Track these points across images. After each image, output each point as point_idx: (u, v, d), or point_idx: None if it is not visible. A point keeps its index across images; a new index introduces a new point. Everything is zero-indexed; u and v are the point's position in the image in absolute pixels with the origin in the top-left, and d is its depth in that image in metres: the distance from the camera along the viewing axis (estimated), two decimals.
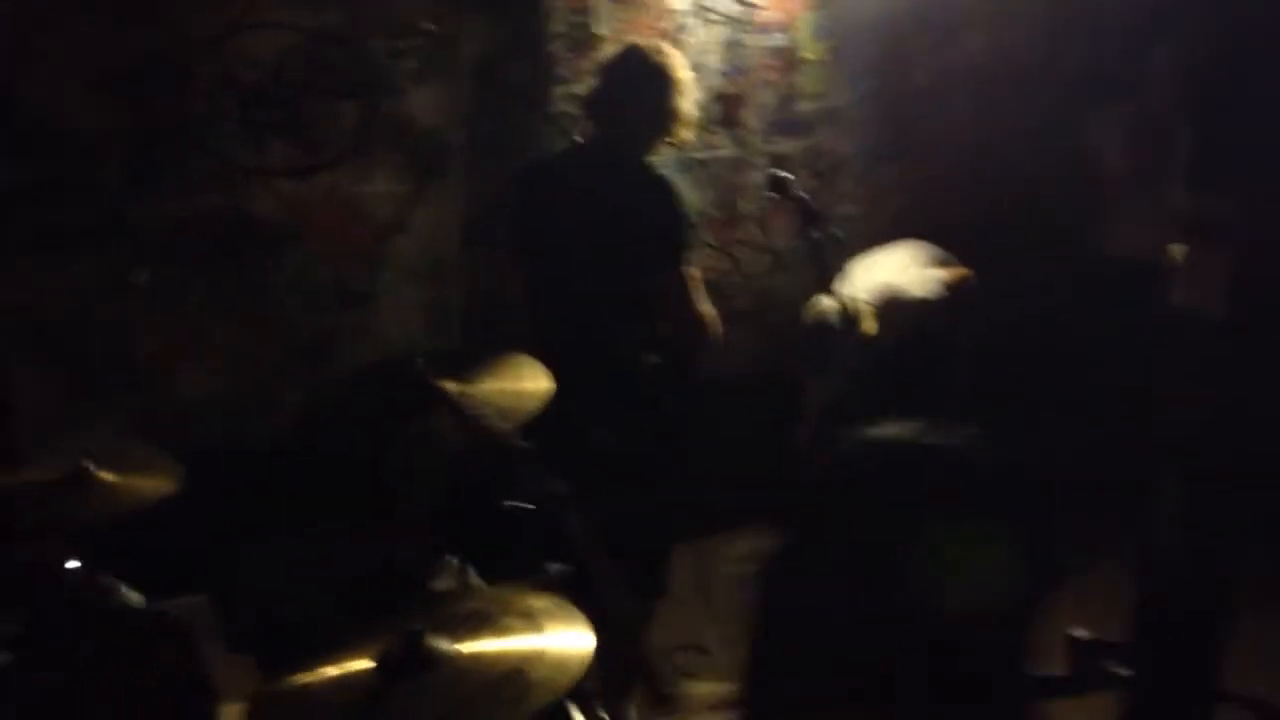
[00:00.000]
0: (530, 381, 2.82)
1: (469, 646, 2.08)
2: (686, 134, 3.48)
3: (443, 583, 3.44)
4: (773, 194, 3.50)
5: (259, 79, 3.84)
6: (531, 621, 2.22)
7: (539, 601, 2.31)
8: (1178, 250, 3.93)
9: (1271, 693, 3.58)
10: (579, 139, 3.61)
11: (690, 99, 3.41)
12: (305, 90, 3.91)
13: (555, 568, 2.94)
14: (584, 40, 4.34)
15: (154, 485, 2.83)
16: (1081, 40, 4.77)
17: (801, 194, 3.46)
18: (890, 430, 1.24)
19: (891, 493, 1.20)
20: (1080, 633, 3.78)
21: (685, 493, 3.59)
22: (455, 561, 3.54)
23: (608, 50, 3.61)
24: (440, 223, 4.17)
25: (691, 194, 4.54)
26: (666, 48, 3.45)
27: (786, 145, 4.76)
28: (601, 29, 4.36)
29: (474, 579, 3.51)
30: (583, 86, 4.31)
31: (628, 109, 3.37)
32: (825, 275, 4.06)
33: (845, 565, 1.17)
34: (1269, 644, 3.70)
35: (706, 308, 3.42)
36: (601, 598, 2.40)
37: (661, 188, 3.36)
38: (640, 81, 3.36)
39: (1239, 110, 3.74)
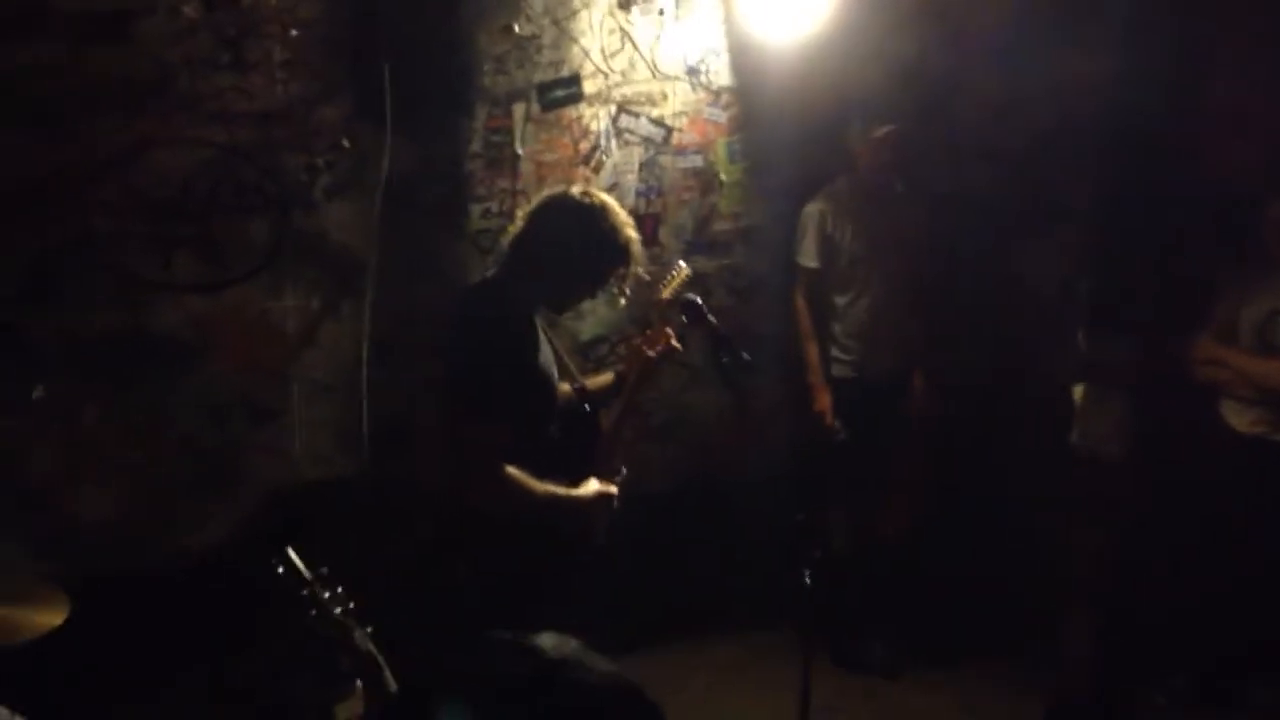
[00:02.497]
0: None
1: None
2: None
3: (348, 710, 3.34)
4: (684, 319, 3.51)
5: (168, 194, 3.78)
6: None
7: None
8: (1078, 391, 4.01)
9: None
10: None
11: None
12: (215, 205, 3.86)
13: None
14: (502, 160, 4.37)
15: (41, 617, 2.74)
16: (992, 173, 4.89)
17: (711, 319, 3.47)
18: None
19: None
20: None
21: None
22: (360, 686, 3.45)
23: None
24: (351, 339, 4.12)
25: (610, 313, 4.58)
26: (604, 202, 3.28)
27: (704, 264, 4.79)
28: (520, 149, 4.38)
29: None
30: (500, 204, 4.35)
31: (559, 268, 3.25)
32: (737, 396, 4.09)
33: None
34: None
35: None
36: None
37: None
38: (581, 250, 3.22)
39: (1136, 259, 3.85)
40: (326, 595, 2.78)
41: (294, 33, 3.91)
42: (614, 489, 3.33)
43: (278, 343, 4.02)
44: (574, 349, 4.43)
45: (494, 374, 3.06)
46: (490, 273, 3.37)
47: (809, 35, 4.65)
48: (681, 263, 3.79)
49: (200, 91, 3.80)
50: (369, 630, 2.78)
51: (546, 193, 3.35)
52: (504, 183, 4.39)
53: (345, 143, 4.05)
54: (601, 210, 3.19)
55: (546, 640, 2.84)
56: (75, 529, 3.71)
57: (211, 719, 2.75)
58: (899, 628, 4.76)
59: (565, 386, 3.47)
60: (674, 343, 3.48)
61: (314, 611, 2.74)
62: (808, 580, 2.85)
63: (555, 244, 3.18)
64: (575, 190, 3.29)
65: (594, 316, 4.59)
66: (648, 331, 3.55)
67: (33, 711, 2.70)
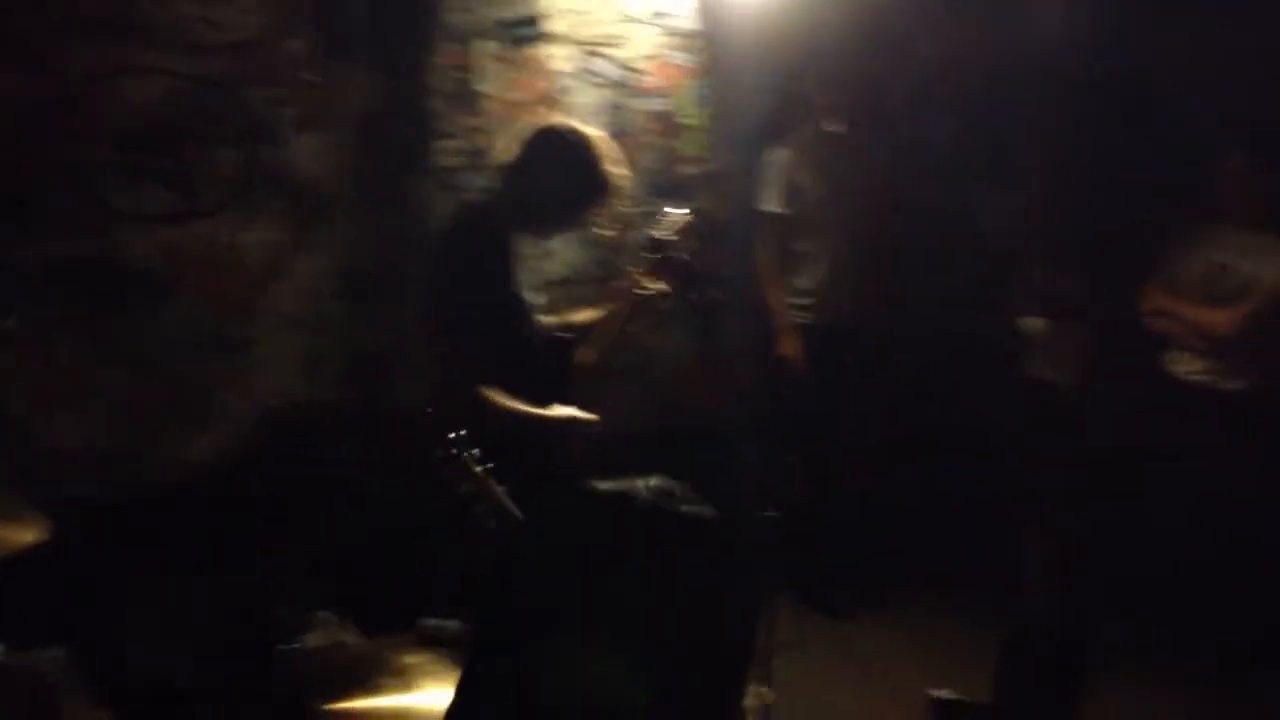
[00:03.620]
0: None
1: (339, 706, 2.07)
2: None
3: (316, 639, 3.40)
4: (653, 255, 3.57)
5: (138, 124, 3.79)
6: (403, 680, 2.22)
7: (412, 658, 2.31)
8: (1037, 325, 4.12)
9: None
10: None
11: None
12: (185, 137, 3.87)
13: (432, 622, 2.93)
14: (466, 97, 4.38)
15: (16, 536, 2.77)
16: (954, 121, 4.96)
17: (681, 255, 3.53)
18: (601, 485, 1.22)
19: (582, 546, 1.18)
20: (942, 694, 3.86)
21: None
22: (332, 616, 3.52)
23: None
24: (320, 272, 4.15)
25: (575, 253, 4.63)
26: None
27: (668, 208, 4.83)
28: (484, 87, 4.40)
29: (350, 634, 3.48)
30: (465, 142, 4.38)
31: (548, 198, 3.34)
32: (704, 336, 4.17)
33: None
34: (1124, 701, 3.84)
35: None
36: None
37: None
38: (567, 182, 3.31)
39: (1096, 200, 3.95)
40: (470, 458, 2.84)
41: None
42: (586, 415, 3.40)
43: (246, 275, 4.04)
44: (539, 288, 4.47)
45: (470, 291, 3.17)
46: (476, 197, 3.45)
47: None
48: (685, 209, 3.85)
49: (168, 22, 3.80)
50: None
51: (540, 123, 3.42)
52: (469, 120, 4.41)
53: (311, 76, 4.05)
54: (590, 144, 3.28)
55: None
56: (53, 457, 3.73)
57: (212, 634, 2.80)
58: (860, 569, 4.87)
59: (550, 318, 3.55)
60: (659, 284, 3.54)
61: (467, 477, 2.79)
62: (772, 521, 2.91)
63: (542, 173, 3.27)
64: (566, 123, 3.39)
65: (559, 257, 4.63)
66: (640, 271, 3.59)
67: (23, 627, 2.74)
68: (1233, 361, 4.25)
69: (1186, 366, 4.36)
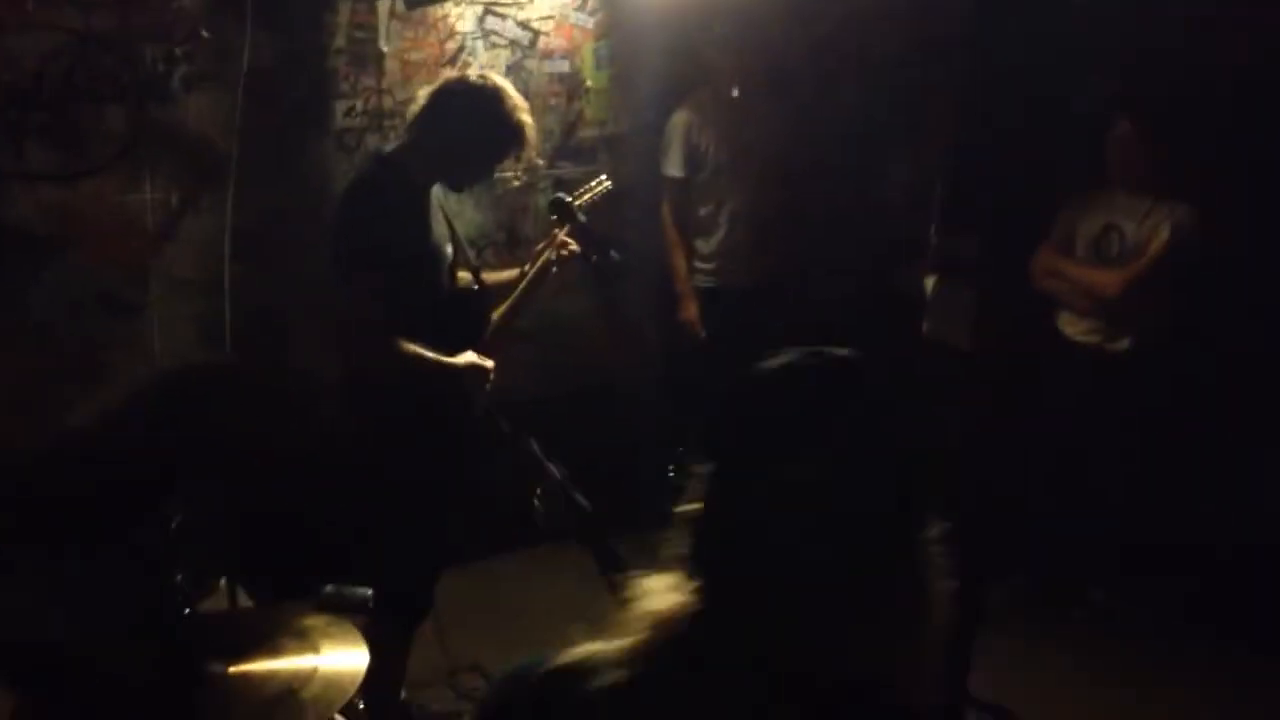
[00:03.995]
0: None
1: (239, 668, 2.05)
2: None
3: (214, 605, 3.36)
4: (554, 217, 3.58)
5: (21, 80, 3.66)
6: (305, 642, 2.20)
7: (314, 621, 2.29)
8: (929, 283, 4.21)
9: (1015, 704, 3.79)
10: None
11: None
12: (70, 93, 3.75)
13: (330, 589, 2.91)
14: (366, 57, 4.32)
15: None
16: (854, 86, 5.02)
17: (581, 218, 3.54)
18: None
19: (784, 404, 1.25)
20: None
21: (464, 514, 3.59)
22: (223, 583, 3.48)
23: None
24: (212, 234, 4.06)
25: (476, 215, 4.60)
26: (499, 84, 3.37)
27: (570, 170, 4.82)
28: (385, 46, 4.34)
29: (243, 600, 3.44)
30: (365, 102, 4.31)
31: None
32: (607, 297, 4.18)
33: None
34: (1013, 656, 3.95)
35: None
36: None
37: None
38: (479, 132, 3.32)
39: (986, 162, 4.03)
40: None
41: None
42: (489, 362, 3.41)
43: (137, 236, 3.94)
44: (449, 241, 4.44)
45: (373, 236, 3.17)
46: (388, 149, 3.43)
47: None
48: (603, 175, 3.85)
49: None
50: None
51: (446, 76, 3.47)
52: (368, 80, 4.35)
53: (204, 33, 3.95)
54: (498, 93, 3.29)
55: None
56: None
57: (100, 599, 2.74)
58: None
59: (465, 274, 3.55)
60: (572, 245, 3.56)
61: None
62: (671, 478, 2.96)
63: (453, 123, 3.28)
64: (473, 74, 3.44)
65: (461, 219, 4.59)
66: (555, 234, 3.59)
67: None
68: (1117, 322, 4.39)
69: (1075, 327, 4.49)
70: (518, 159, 3.48)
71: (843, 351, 1.28)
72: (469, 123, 3.28)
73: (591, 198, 3.70)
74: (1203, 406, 4.34)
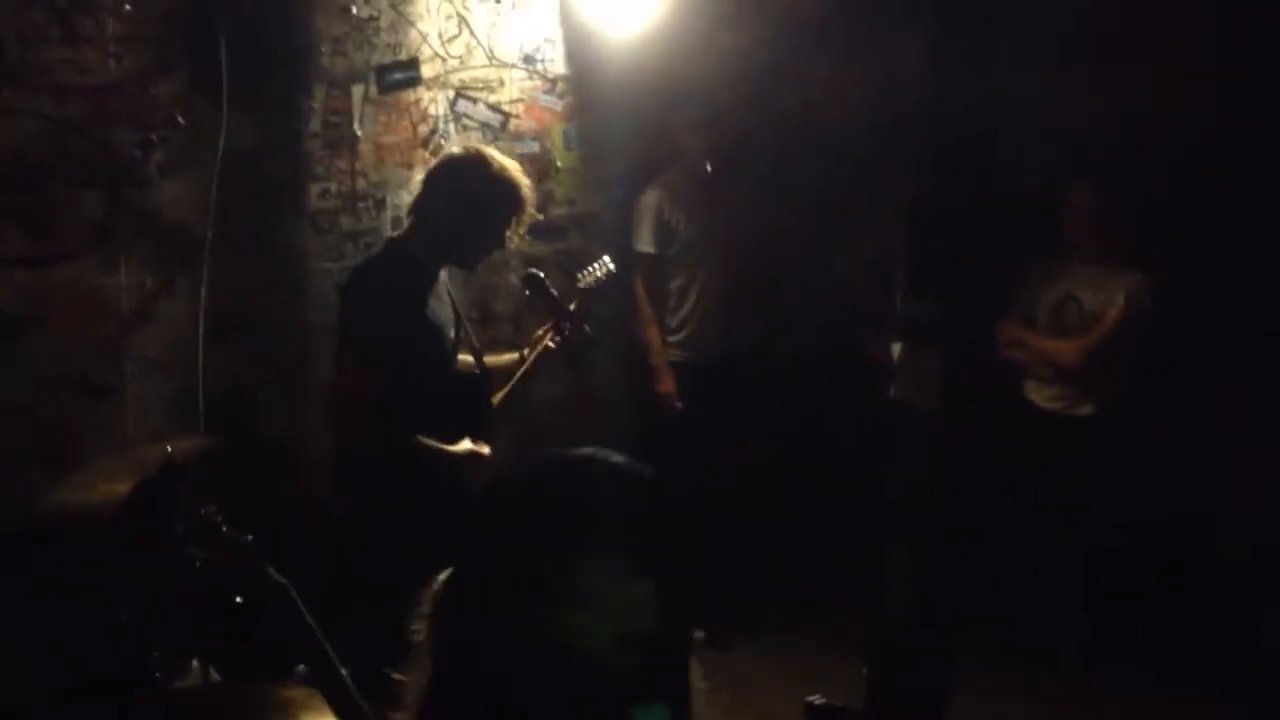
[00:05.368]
0: None
1: None
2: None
3: (187, 683, 3.33)
4: (528, 292, 3.63)
5: None
6: (287, 714, 2.21)
7: (295, 693, 2.30)
8: (896, 350, 4.30)
9: None
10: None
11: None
12: (46, 179, 3.80)
13: (303, 669, 2.90)
14: (341, 141, 4.40)
15: None
16: (816, 161, 5.13)
17: (553, 292, 3.60)
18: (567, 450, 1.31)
19: (546, 511, 1.26)
20: (818, 700, 3.93)
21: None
22: (195, 664, 3.45)
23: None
24: (186, 316, 4.09)
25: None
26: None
27: (540, 249, 4.89)
28: (359, 130, 4.42)
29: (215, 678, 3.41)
30: (340, 184, 4.38)
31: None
32: (578, 371, 4.22)
33: (501, 589, 1.22)
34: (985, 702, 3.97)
35: None
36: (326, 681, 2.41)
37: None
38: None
39: (946, 232, 4.13)
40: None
41: (128, 6, 3.88)
42: (486, 449, 3.43)
43: (111, 319, 3.97)
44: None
45: (373, 319, 3.22)
46: (397, 234, 3.47)
47: (641, 27, 4.80)
48: (606, 257, 3.91)
49: (32, 64, 3.75)
50: None
51: (438, 158, 3.57)
52: (343, 163, 4.42)
53: (180, 119, 4.02)
54: (480, 158, 3.36)
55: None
56: None
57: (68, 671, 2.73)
58: (730, 598, 4.92)
59: (467, 357, 3.58)
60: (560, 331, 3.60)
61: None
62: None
63: (446, 201, 3.33)
64: (458, 149, 3.51)
65: None
66: (558, 319, 3.63)
67: None
68: (1079, 389, 4.48)
69: (1039, 394, 4.58)
70: (520, 221, 3.44)
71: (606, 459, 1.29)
72: (460, 195, 3.32)
73: (595, 280, 3.76)
74: (1165, 467, 4.42)
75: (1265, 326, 4.31)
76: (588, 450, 1.29)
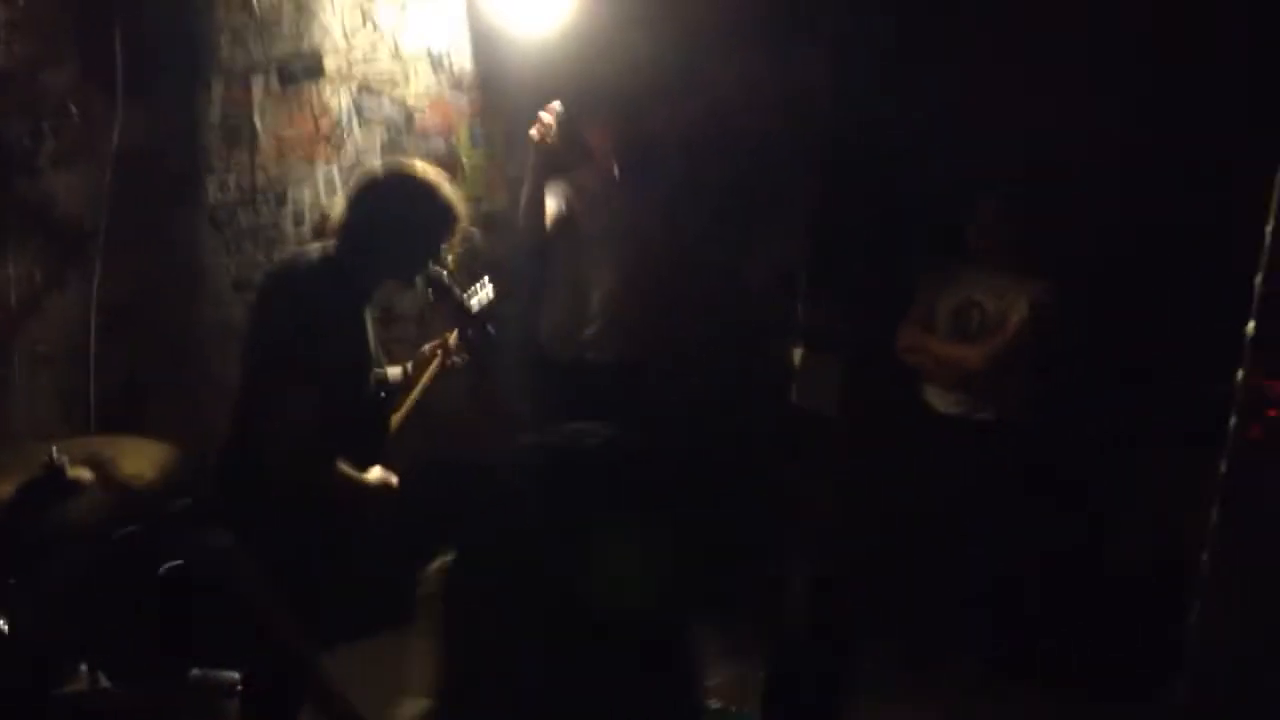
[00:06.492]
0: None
1: None
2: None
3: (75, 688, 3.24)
4: (430, 291, 3.59)
5: None
6: None
7: (185, 703, 2.25)
8: (797, 355, 4.34)
9: None
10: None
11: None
12: None
13: (197, 673, 2.85)
14: (241, 134, 4.31)
15: None
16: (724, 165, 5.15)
17: (456, 291, 3.57)
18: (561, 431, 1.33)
19: (551, 489, 1.27)
20: (715, 704, 3.95)
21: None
22: (84, 670, 3.36)
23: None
24: (77, 309, 3.98)
25: None
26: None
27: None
28: (259, 123, 4.34)
29: (105, 684, 3.33)
30: (235, 178, 4.29)
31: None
32: (480, 372, 4.19)
33: (509, 567, 1.23)
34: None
35: None
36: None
37: None
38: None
39: (848, 237, 4.18)
40: None
41: None
42: (394, 478, 3.39)
43: None
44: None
45: (317, 343, 3.08)
46: (322, 252, 3.33)
47: (551, 26, 4.79)
48: (486, 278, 3.89)
49: None
50: None
51: (361, 174, 3.42)
52: (242, 157, 4.34)
53: (73, 109, 3.91)
54: (415, 179, 3.26)
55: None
56: None
57: None
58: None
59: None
60: (450, 350, 3.59)
61: None
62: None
63: (382, 227, 3.22)
64: (381, 169, 3.40)
65: None
66: (460, 321, 3.58)
67: None
68: (980, 394, 4.55)
69: (940, 400, 4.64)
70: (458, 235, 3.38)
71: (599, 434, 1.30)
72: (389, 221, 3.22)
73: (479, 304, 3.73)
74: (1063, 474, 4.51)
75: (1170, 333, 4.38)
76: (574, 426, 1.29)
